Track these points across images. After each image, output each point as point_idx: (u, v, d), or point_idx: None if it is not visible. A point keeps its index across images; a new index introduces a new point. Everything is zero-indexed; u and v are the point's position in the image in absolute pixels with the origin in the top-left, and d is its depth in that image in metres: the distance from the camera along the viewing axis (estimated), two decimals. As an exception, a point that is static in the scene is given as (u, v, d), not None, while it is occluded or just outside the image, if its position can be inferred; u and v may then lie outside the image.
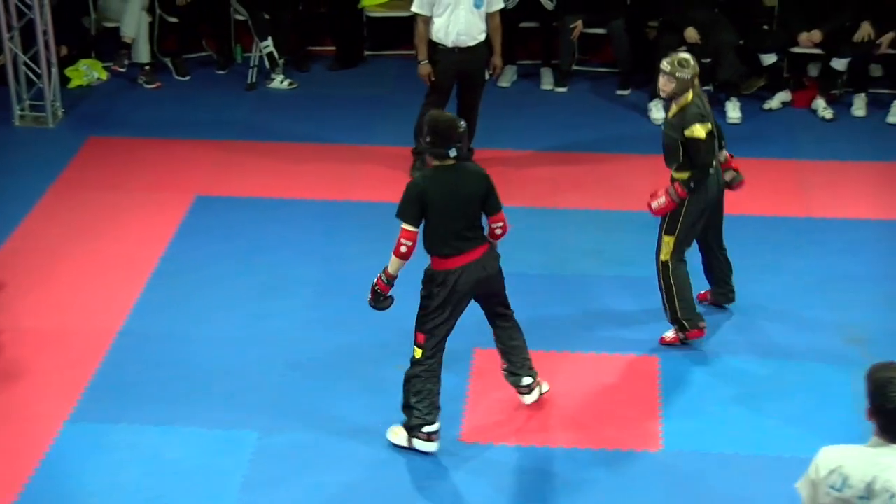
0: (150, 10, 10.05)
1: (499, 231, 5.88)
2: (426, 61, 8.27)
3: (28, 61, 9.27)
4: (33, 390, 6.46)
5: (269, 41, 9.89)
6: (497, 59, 8.46)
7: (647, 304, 7.09)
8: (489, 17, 8.23)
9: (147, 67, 10.05)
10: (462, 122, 5.71)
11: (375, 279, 5.81)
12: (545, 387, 6.27)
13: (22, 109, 9.42)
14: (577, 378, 6.49)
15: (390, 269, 5.76)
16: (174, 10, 10.13)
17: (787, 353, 6.74)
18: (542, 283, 7.25)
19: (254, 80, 10.04)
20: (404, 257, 5.70)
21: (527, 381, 6.19)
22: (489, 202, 5.79)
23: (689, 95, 6.32)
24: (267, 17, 9.93)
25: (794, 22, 9.45)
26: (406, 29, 8.66)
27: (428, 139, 5.69)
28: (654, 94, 9.28)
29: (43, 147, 9.09)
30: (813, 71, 9.95)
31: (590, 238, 7.85)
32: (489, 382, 6.43)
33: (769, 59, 9.51)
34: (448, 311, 5.77)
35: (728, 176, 6.69)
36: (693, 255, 6.79)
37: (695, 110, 6.30)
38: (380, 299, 5.84)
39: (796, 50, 9.61)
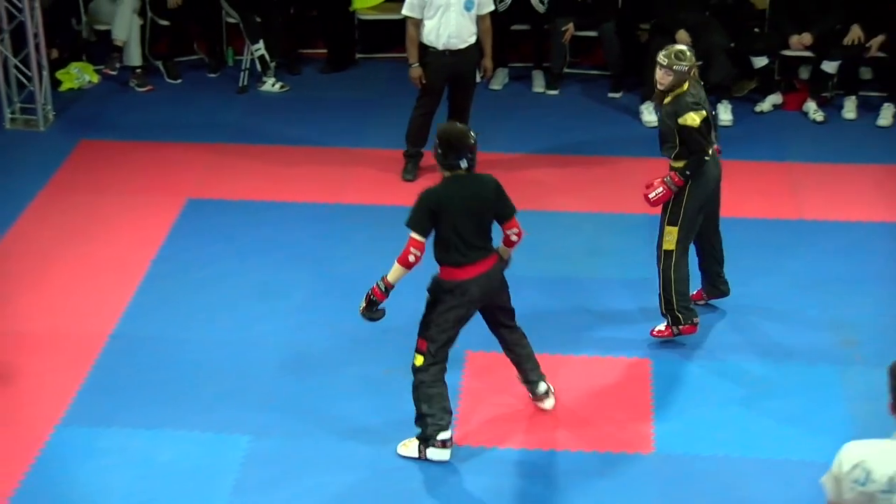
0: (142, 13, 10.04)
1: (514, 237, 5.85)
2: (417, 64, 8.28)
3: (18, 64, 9.26)
4: (25, 393, 6.45)
5: (261, 44, 9.88)
6: (487, 62, 8.46)
7: (639, 306, 7.10)
8: (479, 20, 8.23)
9: (138, 70, 10.04)
10: (473, 133, 5.67)
11: (372, 287, 5.77)
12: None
13: (13, 112, 9.40)
14: (570, 380, 6.49)
15: (390, 278, 5.70)
16: (165, 14, 10.12)
17: (779, 354, 6.75)
18: (533, 286, 7.25)
19: (245, 82, 10.04)
20: (410, 267, 5.65)
21: (543, 387, 6.20)
22: (501, 209, 5.76)
23: (685, 86, 6.34)
24: (258, 19, 9.92)
25: (784, 24, 9.46)
26: (398, 32, 8.66)
27: (439, 151, 5.66)
28: (646, 97, 9.30)
29: (34, 150, 9.07)
30: (804, 73, 9.97)
31: (581, 240, 7.86)
32: (481, 385, 6.43)
33: (760, 61, 9.53)
34: (453, 321, 5.74)
35: None
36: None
37: (689, 99, 6.33)
38: (373, 308, 5.77)
39: (787, 52, 9.62)
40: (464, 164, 5.63)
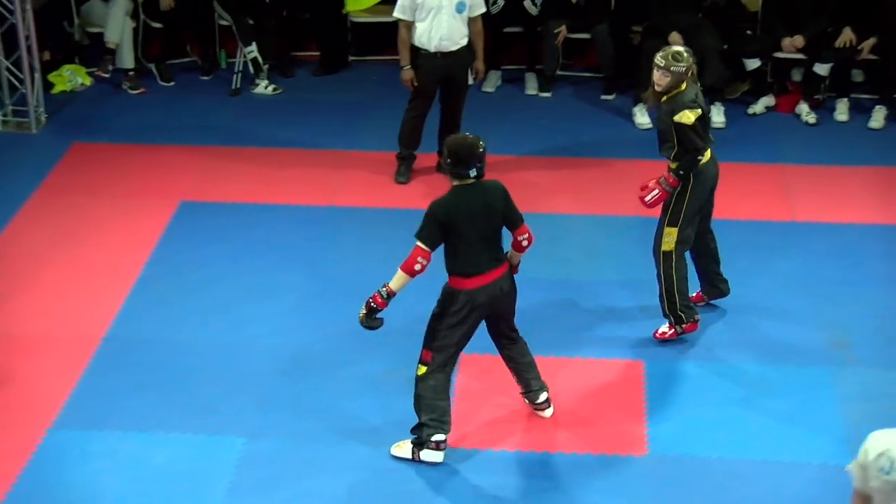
0: (134, 15, 10.03)
1: (525, 243, 5.84)
2: (409, 66, 8.28)
3: (10, 66, 9.24)
4: (17, 396, 6.44)
5: (254, 46, 9.88)
6: (479, 64, 8.46)
7: (632, 308, 7.11)
8: (471, 22, 8.24)
9: (131, 73, 10.03)
10: (483, 143, 5.65)
11: (372, 294, 5.73)
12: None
13: (4, 115, 9.39)
14: (563, 382, 6.49)
15: (393, 285, 5.66)
16: (158, 16, 10.10)
17: (772, 355, 6.75)
18: (525, 288, 7.22)
19: (238, 85, 10.03)
20: (414, 275, 5.63)
21: (543, 396, 6.20)
22: (510, 216, 5.76)
23: (683, 86, 6.35)
24: (251, 22, 9.92)
25: (777, 27, 9.48)
26: (390, 34, 8.67)
27: (449, 161, 5.64)
28: (639, 99, 9.31)
29: (26, 153, 9.06)
30: (796, 76, 9.99)
31: (574, 242, 7.86)
32: (474, 389, 6.43)
33: (753, 63, 9.55)
34: (461, 331, 5.74)
35: None
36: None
37: (685, 98, 6.34)
38: (373, 316, 5.74)
39: (780, 55, 9.64)
40: (473, 173, 5.63)
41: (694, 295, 6.95)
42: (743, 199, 8.18)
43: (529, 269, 7.43)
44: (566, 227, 8.03)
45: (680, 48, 6.47)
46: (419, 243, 5.60)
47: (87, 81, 10.08)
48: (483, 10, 8.31)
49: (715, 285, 7.05)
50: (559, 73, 10.08)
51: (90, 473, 5.89)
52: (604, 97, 9.91)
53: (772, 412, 6.32)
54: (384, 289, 5.67)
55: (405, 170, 8.62)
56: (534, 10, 9.85)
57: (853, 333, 6.91)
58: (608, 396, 6.45)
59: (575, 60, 10.41)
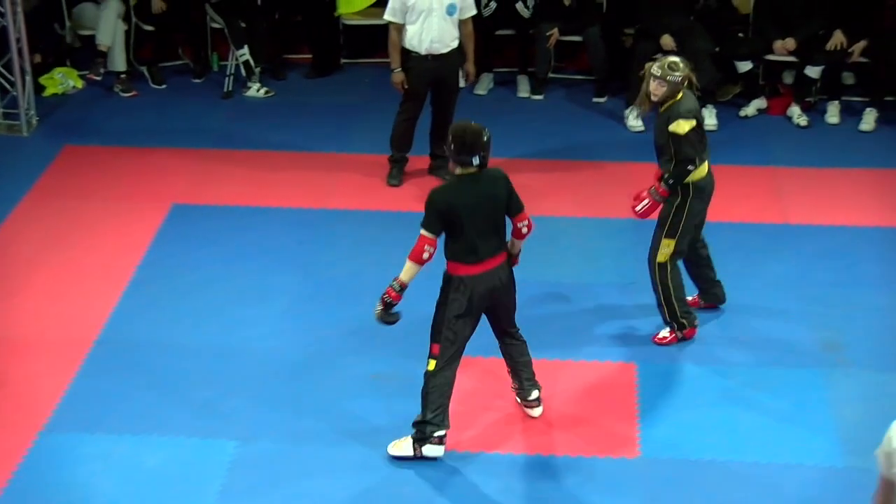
0: (126, 18, 10.03)
1: (525, 230, 5.87)
2: (399, 69, 8.27)
3: (1, 69, 9.23)
4: (9, 399, 6.42)
5: (246, 49, 9.88)
6: (470, 66, 8.47)
7: (623, 310, 7.11)
8: (462, 24, 8.24)
9: (123, 76, 10.02)
10: (488, 131, 5.65)
11: (386, 289, 5.72)
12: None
13: (-5, 118, 9.39)
14: (555, 385, 6.49)
15: (403, 277, 5.67)
16: (150, 19, 10.10)
17: (763, 358, 6.76)
18: (517, 290, 7.24)
19: (230, 88, 10.03)
20: (423, 263, 5.64)
21: (535, 394, 6.21)
22: (512, 203, 5.78)
23: (679, 96, 6.36)
24: (243, 25, 9.92)
25: (768, 30, 9.50)
26: (382, 37, 8.66)
27: (453, 147, 5.64)
28: (631, 102, 9.32)
29: (17, 155, 9.04)
30: (788, 78, 10.00)
31: (566, 245, 7.86)
32: (469, 391, 6.42)
33: (744, 66, 9.56)
34: (465, 320, 5.74)
35: None
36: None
37: (682, 108, 6.34)
38: (390, 311, 5.73)
39: (771, 57, 9.66)
40: (475, 161, 5.63)
41: (690, 299, 6.96)
42: (735, 201, 8.19)
43: (521, 270, 7.44)
44: (558, 229, 8.02)
45: (676, 58, 6.44)
46: (424, 232, 5.62)
47: (79, 84, 10.07)
48: (474, 12, 8.32)
49: (711, 292, 7.06)
50: (551, 75, 10.09)
51: (82, 476, 5.87)
52: (595, 100, 9.92)
53: (764, 414, 6.32)
54: (396, 282, 5.68)
55: (397, 172, 8.62)
56: (526, 13, 9.86)
57: (846, 335, 6.92)
58: (600, 399, 6.45)
59: (567, 63, 10.42)
